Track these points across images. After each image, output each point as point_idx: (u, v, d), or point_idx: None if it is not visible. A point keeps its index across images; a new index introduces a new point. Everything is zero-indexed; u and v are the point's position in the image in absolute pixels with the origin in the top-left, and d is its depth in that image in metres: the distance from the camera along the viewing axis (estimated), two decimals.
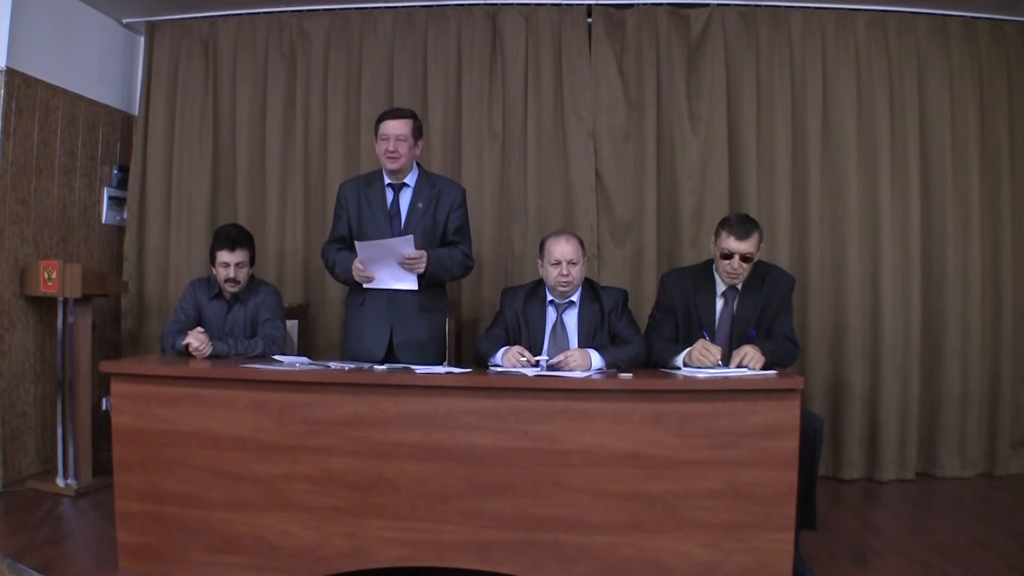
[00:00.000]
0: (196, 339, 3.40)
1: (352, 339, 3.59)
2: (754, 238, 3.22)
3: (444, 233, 3.56)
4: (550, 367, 3.14)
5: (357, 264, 3.38)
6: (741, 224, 3.24)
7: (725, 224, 3.28)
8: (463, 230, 3.60)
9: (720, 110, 4.67)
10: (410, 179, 3.54)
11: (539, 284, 3.49)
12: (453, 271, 3.56)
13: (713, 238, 3.34)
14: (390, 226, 3.50)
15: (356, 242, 3.37)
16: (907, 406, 4.57)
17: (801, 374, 3.33)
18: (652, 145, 4.70)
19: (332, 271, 3.62)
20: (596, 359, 3.17)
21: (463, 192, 3.65)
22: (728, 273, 3.27)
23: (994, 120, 4.71)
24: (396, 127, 3.42)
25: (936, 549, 3.38)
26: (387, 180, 3.54)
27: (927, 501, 4.24)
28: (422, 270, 3.38)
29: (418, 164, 3.59)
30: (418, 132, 3.51)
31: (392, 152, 3.42)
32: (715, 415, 2.75)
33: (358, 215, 3.55)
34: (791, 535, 2.74)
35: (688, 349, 3.14)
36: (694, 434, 2.75)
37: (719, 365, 3.05)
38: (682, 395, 2.80)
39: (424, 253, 3.36)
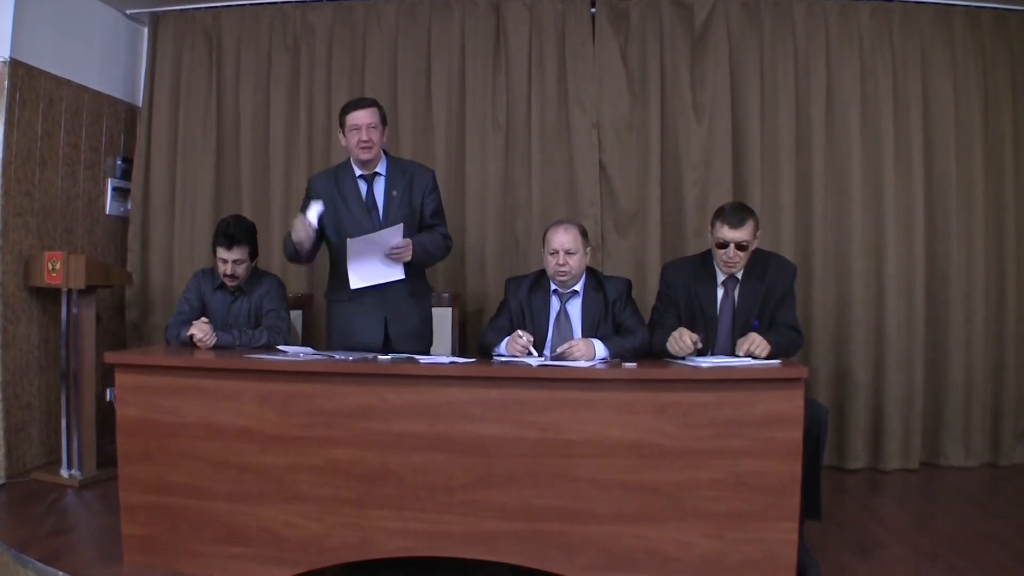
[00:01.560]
0: (200, 330, 3.41)
1: (342, 336, 3.52)
2: (748, 226, 3.21)
3: (421, 218, 3.55)
4: (554, 357, 3.14)
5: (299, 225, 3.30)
6: (735, 212, 3.23)
7: (719, 213, 3.27)
8: (439, 212, 3.60)
9: (724, 101, 4.66)
10: (381, 168, 3.51)
11: (543, 274, 3.48)
12: (436, 255, 3.56)
13: (710, 228, 3.33)
14: (369, 219, 3.46)
15: (348, 240, 3.33)
16: (911, 396, 4.55)
17: (805, 364, 3.31)
18: (656, 136, 4.69)
19: (285, 249, 3.51)
20: (600, 349, 3.17)
21: (433, 174, 3.64)
22: (724, 262, 3.26)
23: (997, 110, 4.68)
24: (365, 116, 3.39)
25: (940, 539, 3.39)
26: (358, 172, 3.49)
27: (931, 491, 4.23)
28: (409, 258, 3.37)
29: (385, 151, 3.56)
30: (384, 119, 3.48)
31: (366, 142, 3.38)
32: (719, 405, 2.74)
33: (333, 210, 3.48)
34: (795, 525, 2.73)
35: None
36: (698, 424, 2.75)
37: (700, 351, 3.08)
38: (686, 385, 2.79)
39: (410, 242, 3.35)
